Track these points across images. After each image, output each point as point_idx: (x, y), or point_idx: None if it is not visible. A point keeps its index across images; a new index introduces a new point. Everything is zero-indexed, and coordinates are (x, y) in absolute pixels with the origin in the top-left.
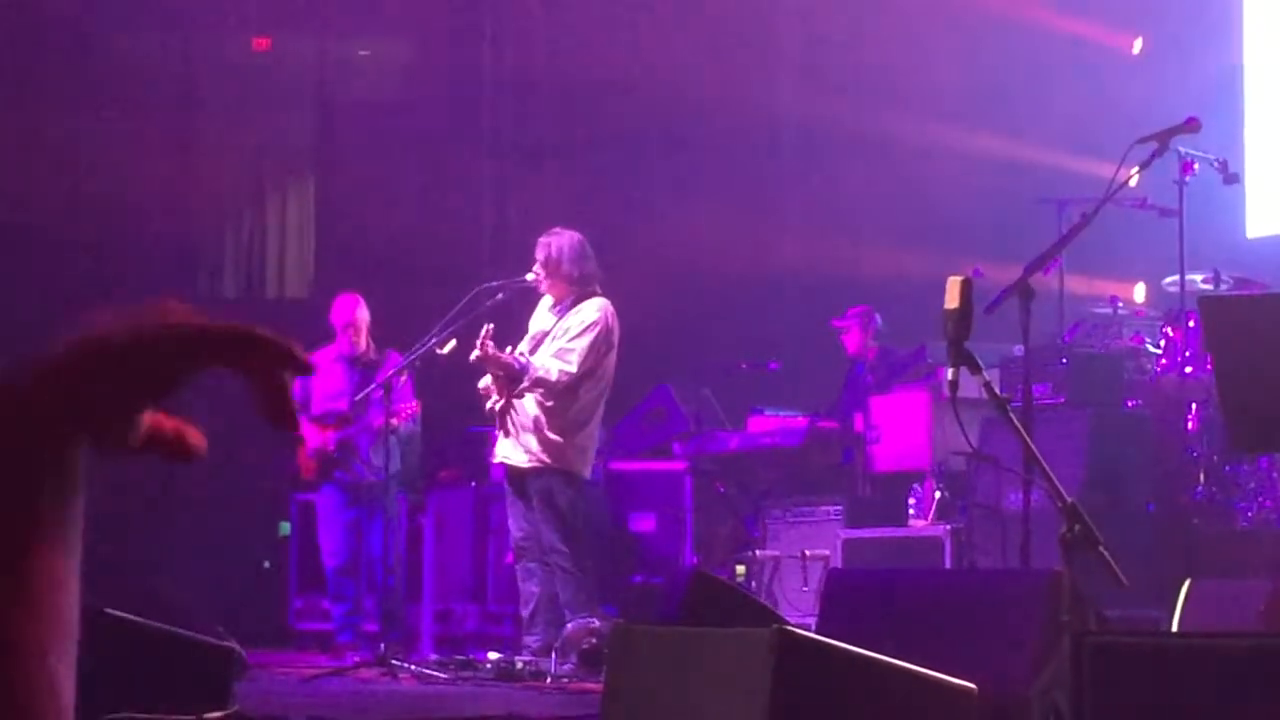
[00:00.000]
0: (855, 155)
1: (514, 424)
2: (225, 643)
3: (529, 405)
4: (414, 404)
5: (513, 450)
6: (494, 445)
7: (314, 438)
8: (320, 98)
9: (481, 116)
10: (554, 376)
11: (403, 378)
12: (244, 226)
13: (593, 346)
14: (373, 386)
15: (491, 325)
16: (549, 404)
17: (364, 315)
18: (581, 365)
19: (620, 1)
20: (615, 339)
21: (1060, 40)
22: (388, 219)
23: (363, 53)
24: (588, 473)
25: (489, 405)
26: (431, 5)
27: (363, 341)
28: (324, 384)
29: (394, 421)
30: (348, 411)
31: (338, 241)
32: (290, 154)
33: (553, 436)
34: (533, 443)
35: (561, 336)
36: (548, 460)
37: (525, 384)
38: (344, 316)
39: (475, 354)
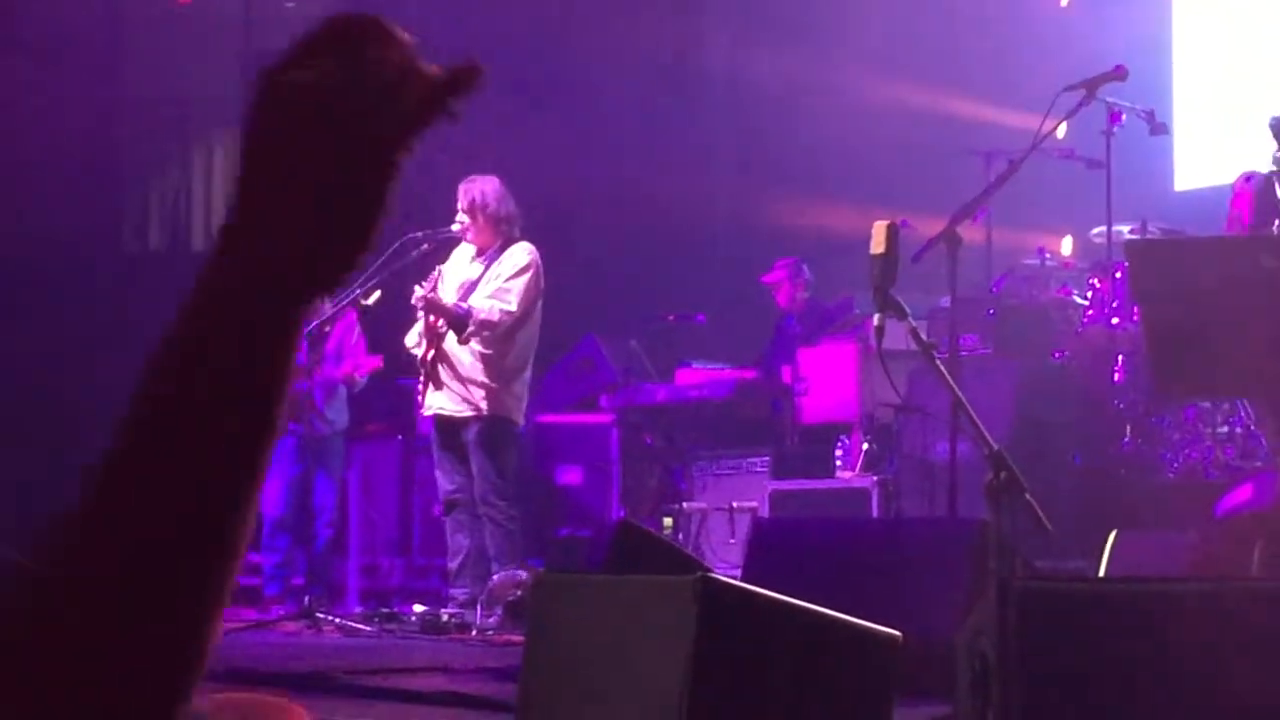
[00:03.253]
0: (783, 108)
1: (447, 374)
2: None
3: (464, 354)
4: (376, 359)
5: (447, 401)
6: (422, 399)
7: None
8: (246, 51)
9: None
10: (496, 317)
11: (356, 333)
12: (169, 180)
13: (527, 288)
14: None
15: (442, 268)
16: (487, 351)
17: None
18: (519, 305)
19: None
20: (543, 285)
21: None
22: None
23: (289, 4)
24: (521, 420)
25: (420, 357)
26: None
27: None
28: None
29: (356, 375)
30: (304, 364)
31: None
32: (215, 107)
33: (490, 383)
34: (469, 391)
35: (495, 280)
36: (485, 408)
37: (471, 328)
38: None
39: (420, 297)
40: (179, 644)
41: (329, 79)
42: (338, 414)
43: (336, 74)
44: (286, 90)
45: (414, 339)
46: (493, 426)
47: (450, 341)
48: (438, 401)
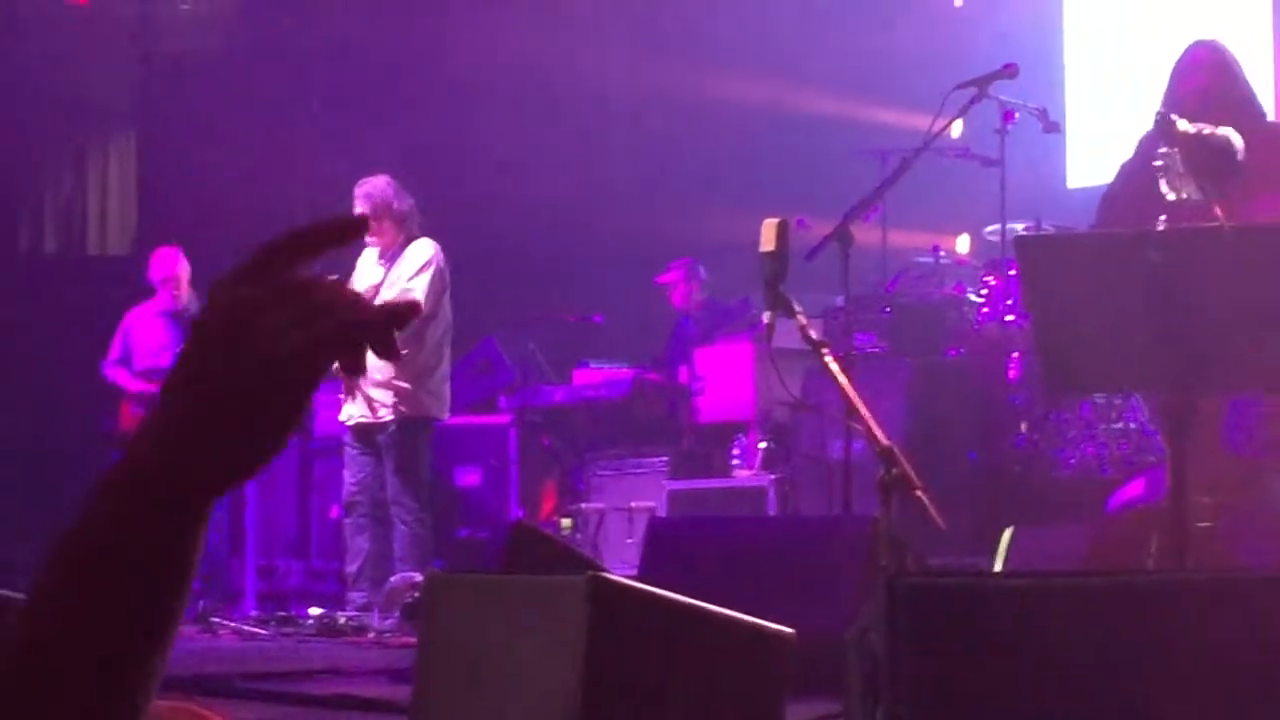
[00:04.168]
0: (678, 111)
1: (361, 381)
2: None
3: (374, 359)
4: None
5: (364, 408)
6: (338, 408)
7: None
8: (141, 52)
9: (306, 70)
10: None
11: None
12: (64, 182)
13: (431, 283)
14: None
15: (337, 277)
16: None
17: (184, 269)
18: (425, 301)
19: None
20: (448, 279)
21: None
22: (211, 174)
23: (184, 7)
24: (445, 415)
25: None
26: None
27: (184, 295)
28: (146, 340)
29: None
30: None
31: (160, 197)
32: (111, 109)
33: (404, 385)
34: (384, 395)
35: (398, 282)
36: (403, 409)
37: None
38: (164, 270)
39: None
40: None
41: (256, 295)
42: None
43: (263, 291)
44: (222, 304)
45: None
46: (408, 427)
47: None
48: (356, 411)
